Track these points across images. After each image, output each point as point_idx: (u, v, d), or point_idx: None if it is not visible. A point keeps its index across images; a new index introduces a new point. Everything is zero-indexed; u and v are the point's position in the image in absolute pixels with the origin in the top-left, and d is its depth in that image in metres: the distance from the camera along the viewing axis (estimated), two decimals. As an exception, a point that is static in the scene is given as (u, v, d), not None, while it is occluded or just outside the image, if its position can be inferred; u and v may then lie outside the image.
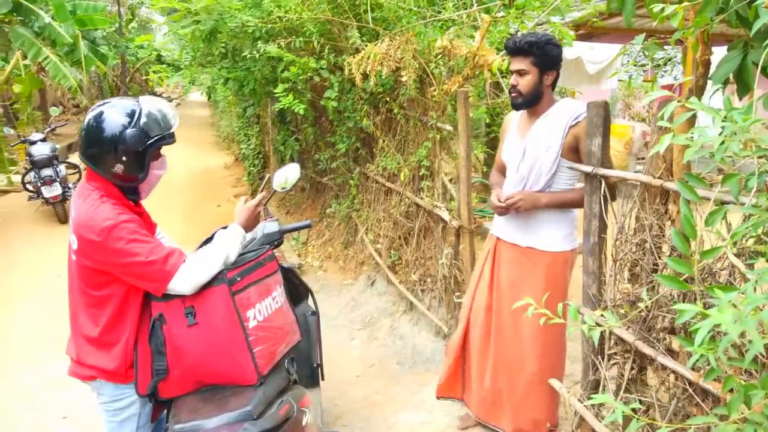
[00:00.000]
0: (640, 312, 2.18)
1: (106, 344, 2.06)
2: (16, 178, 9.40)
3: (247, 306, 2.08)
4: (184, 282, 1.96)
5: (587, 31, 6.68)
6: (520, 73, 2.64)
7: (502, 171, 3.02)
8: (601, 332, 2.52)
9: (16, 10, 9.32)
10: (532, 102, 2.69)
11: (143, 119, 2.02)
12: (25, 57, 10.12)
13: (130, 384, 2.09)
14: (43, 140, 8.32)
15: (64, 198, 7.83)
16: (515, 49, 2.63)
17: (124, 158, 2.01)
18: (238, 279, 2.08)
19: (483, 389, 2.97)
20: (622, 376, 2.40)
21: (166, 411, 2.17)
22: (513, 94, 2.69)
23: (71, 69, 9.97)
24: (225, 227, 2.28)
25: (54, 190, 7.73)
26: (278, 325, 2.18)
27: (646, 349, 2.19)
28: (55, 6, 8.98)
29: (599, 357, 2.54)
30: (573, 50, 7.69)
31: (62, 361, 2.18)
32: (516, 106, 2.75)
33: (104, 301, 2.04)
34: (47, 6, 9.35)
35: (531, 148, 2.70)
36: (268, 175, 2.34)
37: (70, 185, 8.14)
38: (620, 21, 7.45)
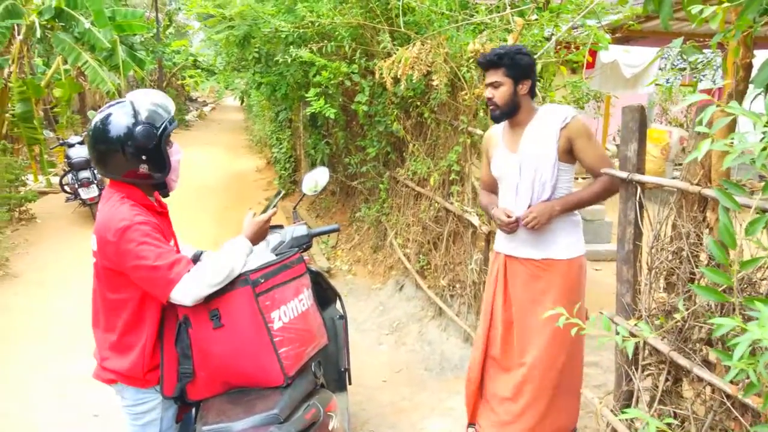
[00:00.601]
0: (676, 323, 2.11)
1: (124, 349, 2.07)
2: (55, 180, 9.65)
3: (271, 307, 2.08)
4: (185, 293, 1.92)
5: (624, 35, 6.57)
6: (494, 85, 2.65)
7: (491, 189, 2.97)
8: (636, 342, 2.46)
9: (58, 16, 9.58)
10: (511, 113, 2.69)
11: (144, 113, 2.03)
12: (65, 62, 10.41)
13: (150, 389, 2.11)
14: (82, 143, 8.51)
15: (100, 200, 8.00)
16: (486, 63, 2.66)
17: (144, 157, 2.02)
18: (262, 281, 2.08)
19: (502, 408, 2.90)
20: (657, 387, 2.33)
21: (194, 411, 2.18)
22: (491, 107, 2.71)
23: (109, 74, 10.20)
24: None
25: (91, 192, 7.91)
26: (305, 327, 2.18)
27: (682, 360, 2.12)
28: (94, 12, 9.20)
29: (633, 368, 2.48)
30: (609, 54, 7.54)
31: (94, 359, 2.22)
32: (495, 119, 2.75)
33: (122, 305, 2.05)
34: (87, 12, 9.59)
35: (527, 160, 2.66)
36: (280, 192, 2.30)
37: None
38: (658, 24, 7.31)
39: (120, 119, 2.01)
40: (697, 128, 1.14)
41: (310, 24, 4.72)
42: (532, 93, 2.72)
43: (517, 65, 2.62)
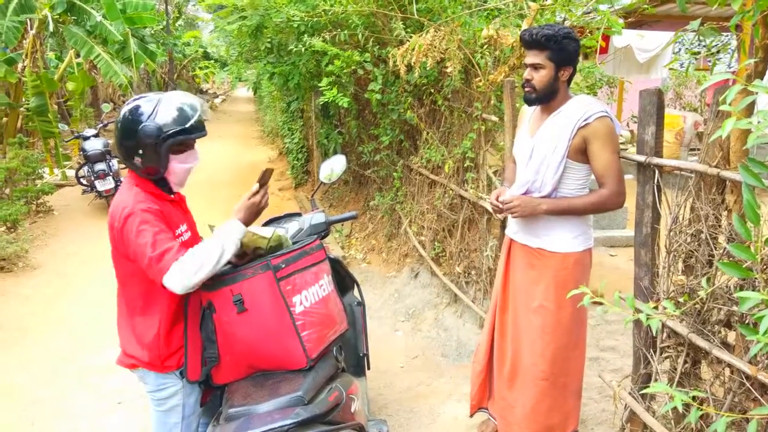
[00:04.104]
0: (695, 304, 2.12)
1: (141, 334, 2.13)
2: (70, 173, 9.75)
3: (293, 292, 2.12)
4: (173, 281, 1.92)
5: (637, 19, 6.52)
6: (535, 67, 2.51)
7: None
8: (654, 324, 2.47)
9: (70, 10, 9.65)
10: (547, 98, 2.56)
11: (160, 114, 2.05)
12: (78, 55, 10.48)
13: (170, 373, 2.16)
14: (96, 136, 8.60)
15: (116, 192, 8.08)
16: (531, 42, 2.50)
17: (140, 151, 2.06)
18: (283, 266, 2.12)
19: (502, 393, 2.91)
20: (675, 369, 2.35)
21: (220, 394, 2.23)
22: (527, 89, 2.57)
23: (122, 66, 10.26)
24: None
25: (107, 184, 7.99)
26: (326, 311, 2.22)
27: (701, 342, 2.14)
28: (106, 5, 9.25)
29: (651, 350, 2.49)
30: (622, 38, 7.48)
31: (117, 347, 2.26)
32: (529, 102, 2.64)
33: (134, 290, 2.11)
34: (99, 5, 9.64)
35: (539, 148, 2.58)
36: (266, 168, 2.24)
37: (122, 179, 8.40)
38: (671, 8, 7.24)
39: (137, 112, 2.06)
40: (720, 107, 1.14)
41: (322, 13, 4.73)
42: (569, 80, 2.58)
43: (564, 50, 2.47)
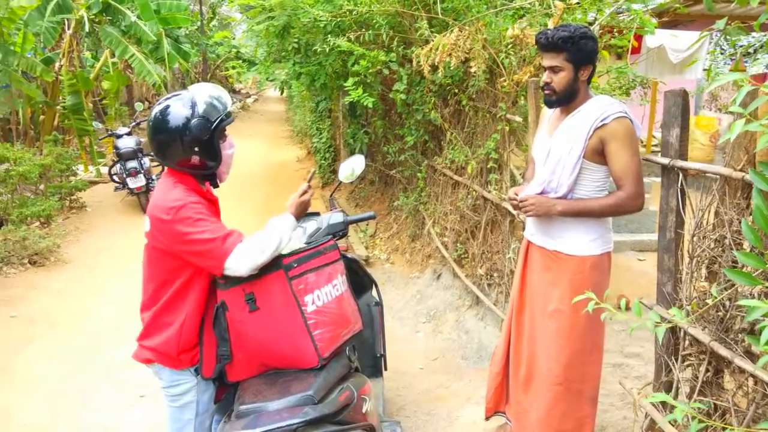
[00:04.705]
0: (717, 312, 2.06)
1: (161, 327, 2.16)
2: (104, 170, 9.96)
3: (305, 291, 2.13)
4: (240, 262, 2.01)
5: (671, 19, 6.37)
6: (554, 70, 2.46)
7: None
8: (675, 332, 2.40)
9: (106, 10, 9.86)
10: (567, 99, 2.52)
11: (202, 107, 2.10)
12: (113, 55, 10.69)
13: (185, 370, 2.19)
14: (129, 134, 8.76)
15: (147, 189, 8.23)
16: (548, 44, 2.43)
17: (197, 149, 2.10)
18: (295, 265, 2.14)
19: (518, 397, 2.87)
20: (696, 378, 2.28)
21: (234, 392, 2.24)
22: (546, 92, 2.52)
23: (155, 66, 10.44)
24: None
25: (138, 182, 8.13)
26: (339, 311, 2.21)
27: (723, 351, 2.07)
28: (140, 5, 9.43)
29: (672, 358, 2.43)
30: (655, 38, 7.31)
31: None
32: (549, 104, 2.59)
33: (167, 285, 2.14)
34: (133, 5, 9.83)
35: (556, 148, 2.53)
36: (313, 170, 2.43)
37: (153, 177, 8.55)
38: (705, 8, 7.05)
39: (179, 111, 2.09)
40: (731, 108, 1.10)
41: (347, 13, 4.73)
42: (589, 79, 2.54)
43: (582, 50, 2.42)
